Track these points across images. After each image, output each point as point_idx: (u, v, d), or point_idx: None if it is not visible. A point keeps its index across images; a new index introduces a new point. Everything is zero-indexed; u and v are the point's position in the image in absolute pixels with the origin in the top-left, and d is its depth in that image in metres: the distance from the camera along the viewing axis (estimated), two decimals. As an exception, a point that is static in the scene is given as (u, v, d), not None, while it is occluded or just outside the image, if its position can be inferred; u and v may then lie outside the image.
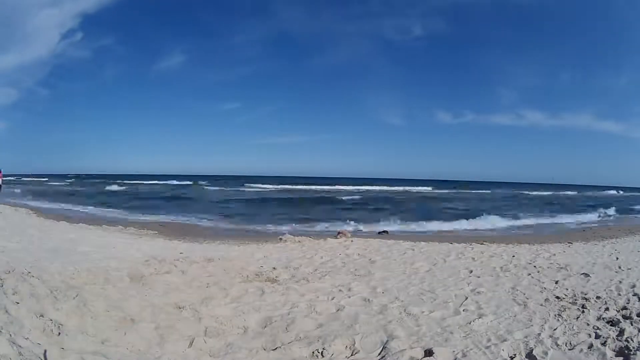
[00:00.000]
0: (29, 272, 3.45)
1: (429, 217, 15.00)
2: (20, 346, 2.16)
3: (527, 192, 43.53)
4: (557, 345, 2.92)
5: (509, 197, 36.24)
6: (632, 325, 3.19)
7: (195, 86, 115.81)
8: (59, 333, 2.51)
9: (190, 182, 50.86)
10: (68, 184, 46.52)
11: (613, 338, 2.94)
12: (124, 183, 44.61)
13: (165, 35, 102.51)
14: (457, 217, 15.13)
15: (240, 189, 40.66)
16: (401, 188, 45.23)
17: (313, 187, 44.35)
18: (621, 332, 3.05)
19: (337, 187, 44.67)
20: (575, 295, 4.24)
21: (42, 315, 2.65)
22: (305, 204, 22.37)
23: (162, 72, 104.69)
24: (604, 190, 56.73)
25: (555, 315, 3.59)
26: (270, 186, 44.04)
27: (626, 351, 2.72)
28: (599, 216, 18.60)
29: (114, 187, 36.09)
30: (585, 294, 4.27)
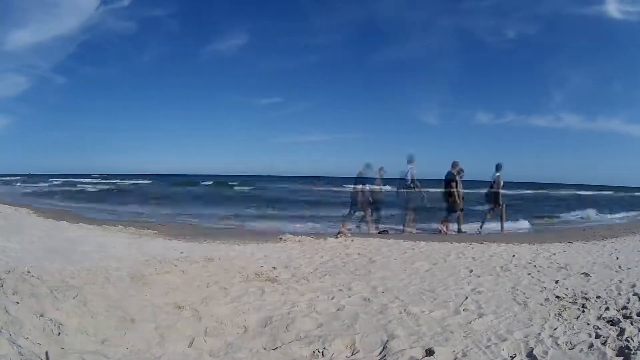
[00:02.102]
0: (29, 272, 3.45)
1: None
2: (20, 346, 2.16)
3: (585, 193, 42.88)
4: (558, 344, 2.91)
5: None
6: (632, 324, 3.19)
7: (250, 75, 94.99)
8: (59, 333, 2.51)
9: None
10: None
11: (613, 338, 2.93)
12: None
13: (230, 9, 79.61)
14: None
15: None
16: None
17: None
18: (621, 331, 3.05)
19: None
20: (575, 295, 4.24)
21: (42, 315, 2.66)
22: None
23: (215, 55, 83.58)
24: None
25: (555, 315, 3.59)
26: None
27: (626, 351, 2.72)
28: None
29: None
30: (586, 294, 4.27)
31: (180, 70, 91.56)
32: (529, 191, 43.68)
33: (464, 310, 3.77)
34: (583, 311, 3.65)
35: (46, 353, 2.18)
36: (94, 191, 32.80)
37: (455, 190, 11.17)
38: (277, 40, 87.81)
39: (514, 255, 6.96)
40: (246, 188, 40.44)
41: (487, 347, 2.88)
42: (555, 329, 3.23)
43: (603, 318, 3.43)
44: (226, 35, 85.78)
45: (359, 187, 11.57)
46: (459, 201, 11.25)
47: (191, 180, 55.70)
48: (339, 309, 3.75)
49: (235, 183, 47.70)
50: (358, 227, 11.77)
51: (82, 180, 49.76)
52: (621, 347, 2.79)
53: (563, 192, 44.89)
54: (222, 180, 52.57)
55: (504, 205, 11.80)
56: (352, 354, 2.85)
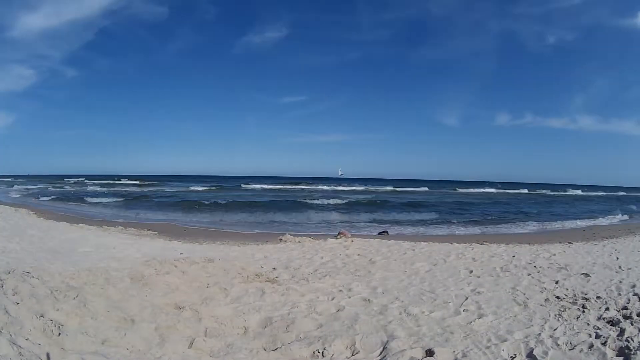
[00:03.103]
0: (29, 273, 3.44)
1: None
2: (20, 346, 2.15)
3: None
4: (558, 345, 2.91)
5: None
6: (632, 325, 3.19)
7: (279, 72, 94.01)
8: (59, 333, 2.51)
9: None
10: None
11: (613, 338, 2.93)
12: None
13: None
14: None
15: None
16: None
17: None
18: (621, 332, 3.05)
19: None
20: (575, 295, 4.24)
21: (42, 316, 2.65)
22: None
23: (249, 48, 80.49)
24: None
25: (555, 315, 3.59)
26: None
27: (626, 351, 2.72)
28: None
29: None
30: (586, 294, 4.26)
31: (208, 65, 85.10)
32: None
33: (464, 310, 3.77)
34: (583, 311, 3.65)
35: (47, 354, 2.18)
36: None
37: None
38: (316, 34, 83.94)
39: (514, 256, 6.96)
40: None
41: (487, 347, 2.87)
42: (555, 329, 3.23)
43: (603, 318, 3.43)
44: (265, 27, 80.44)
45: None
46: None
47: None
48: (339, 310, 3.75)
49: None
50: None
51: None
52: (621, 347, 2.78)
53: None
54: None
55: None
56: (352, 355, 2.84)
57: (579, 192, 50.85)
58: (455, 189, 47.32)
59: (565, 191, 50.56)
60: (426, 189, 46.40)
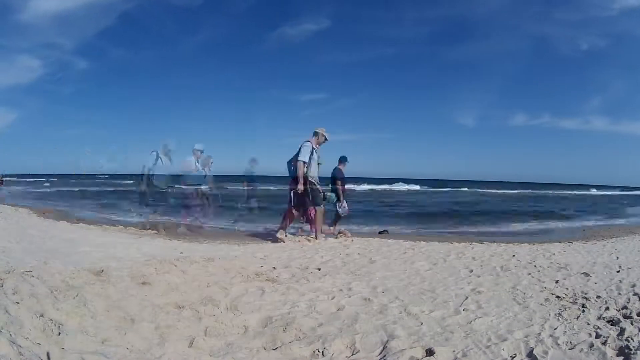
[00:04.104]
0: (29, 272, 3.44)
1: None
2: (20, 346, 2.15)
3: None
4: (558, 344, 2.91)
5: None
6: (632, 324, 3.19)
7: (306, 68, 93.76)
8: (59, 333, 2.51)
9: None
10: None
11: (613, 337, 2.93)
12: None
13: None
14: None
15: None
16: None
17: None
18: (621, 331, 3.05)
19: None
20: (575, 295, 4.24)
21: (42, 315, 2.65)
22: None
23: (281, 41, 77.24)
24: None
25: (555, 315, 3.59)
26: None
27: (626, 350, 2.72)
28: None
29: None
30: (586, 294, 4.26)
31: (235, 57, 77.44)
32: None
33: (464, 310, 3.77)
34: (583, 311, 3.65)
35: (47, 354, 2.18)
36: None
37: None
38: (353, 29, 77.95)
39: (514, 255, 6.96)
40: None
41: (487, 347, 2.87)
42: (555, 328, 3.23)
43: (603, 318, 3.43)
44: (303, 17, 78.18)
45: None
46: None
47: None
48: (339, 309, 3.75)
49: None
50: None
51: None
52: (621, 346, 2.78)
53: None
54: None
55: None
56: (352, 354, 2.84)
57: (578, 192, 51.15)
58: (460, 188, 47.41)
59: (571, 190, 50.90)
60: (430, 188, 46.44)
